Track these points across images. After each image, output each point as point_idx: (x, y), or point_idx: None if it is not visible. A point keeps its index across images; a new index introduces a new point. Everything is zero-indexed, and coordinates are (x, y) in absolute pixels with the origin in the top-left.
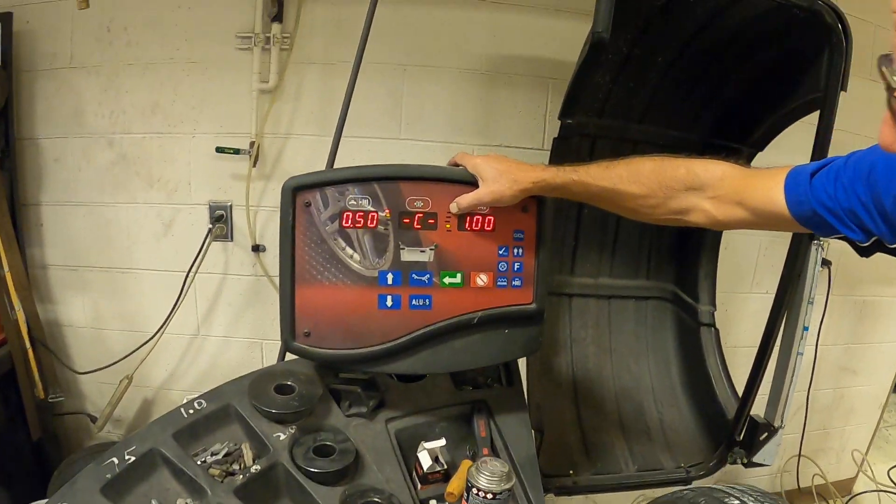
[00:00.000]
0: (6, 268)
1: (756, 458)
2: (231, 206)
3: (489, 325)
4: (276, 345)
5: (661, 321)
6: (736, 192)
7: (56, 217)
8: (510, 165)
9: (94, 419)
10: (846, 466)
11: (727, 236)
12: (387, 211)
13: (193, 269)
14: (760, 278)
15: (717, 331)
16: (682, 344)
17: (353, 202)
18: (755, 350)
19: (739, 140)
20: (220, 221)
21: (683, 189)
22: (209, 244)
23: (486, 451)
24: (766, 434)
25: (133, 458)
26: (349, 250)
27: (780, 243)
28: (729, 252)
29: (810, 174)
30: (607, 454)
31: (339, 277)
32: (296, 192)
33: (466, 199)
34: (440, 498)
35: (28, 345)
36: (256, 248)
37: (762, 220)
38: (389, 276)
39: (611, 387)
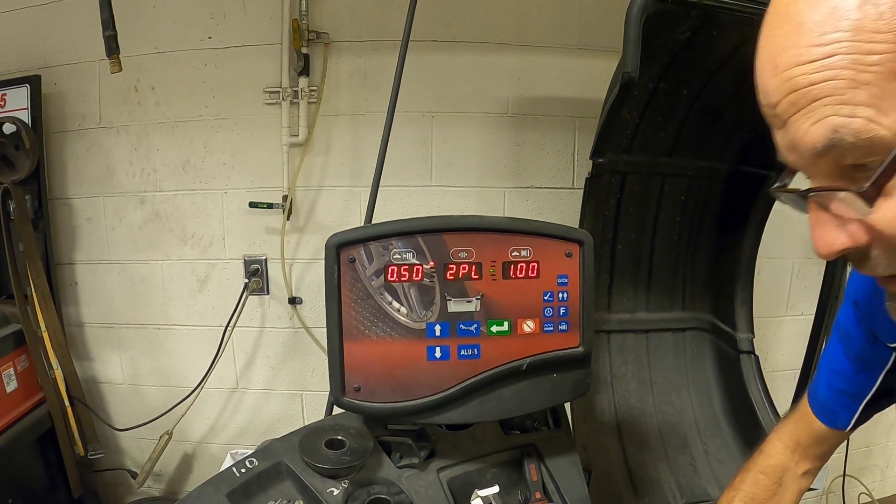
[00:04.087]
0: (43, 327)
1: None
2: (266, 259)
3: (538, 370)
4: (316, 396)
5: (700, 352)
6: (802, 453)
7: (91, 275)
8: None
9: (134, 475)
10: (891, 483)
11: (760, 261)
12: (431, 263)
13: (231, 323)
14: (795, 301)
15: (756, 358)
16: (722, 373)
17: (397, 256)
18: (793, 373)
19: (768, 167)
20: (256, 275)
21: (777, 484)
22: (246, 298)
23: (538, 494)
24: None
25: None
26: (396, 304)
27: (812, 264)
28: (762, 277)
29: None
30: (654, 489)
31: (387, 331)
32: (340, 249)
33: None
34: None
35: (67, 403)
36: (293, 301)
37: (830, 448)
38: (437, 328)
39: (654, 421)
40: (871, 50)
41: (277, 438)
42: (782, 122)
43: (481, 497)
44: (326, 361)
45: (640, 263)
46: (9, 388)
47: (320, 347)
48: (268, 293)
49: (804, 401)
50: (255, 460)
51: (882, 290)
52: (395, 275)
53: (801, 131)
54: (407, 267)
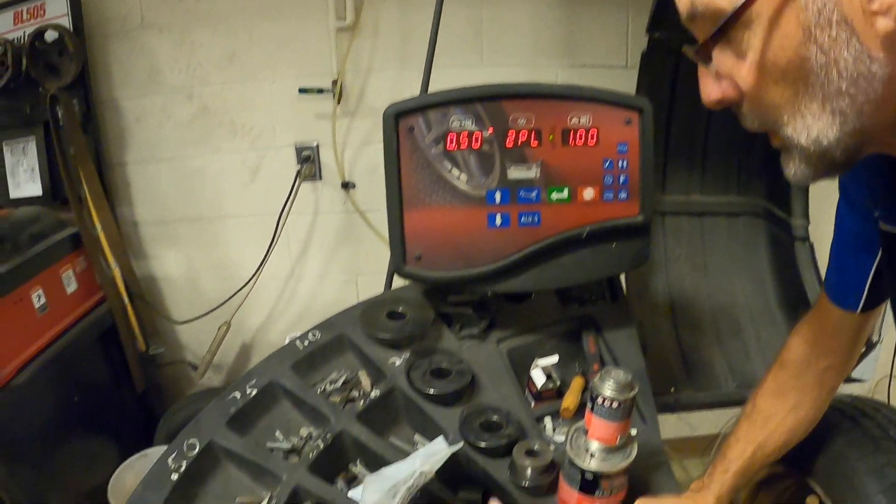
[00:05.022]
0: (99, 228)
1: (853, 374)
2: (318, 145)
3: (597, 239)
4: (371, 279)
5: (754, 237)
6: (821, 347)
7: (142, 175)
8: None
9: (194, 367)
10: None
11: None
12: (490, 130)
13: (284, 211)
14: None
15: (811, 244)
16: (776, 260)
17: (456, 123)
18: None
19: None
20: (308, 162)
21: (796, 378)
22: (298, 185)
23: (595, 366)
24: (863, 348)
25: (255, 392)
26: (455, 172)
27: None
28: None
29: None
30: (707, 372)
31: (448, 199)
32: (398, 118)
33: None
34: (555, 415)
35: (126, 300)
36: (346, 186)
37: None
38: (497, 195)
39: (707, 305)
40: None
41: (338, 313)
42: None
43: (541, 366)
44: (380, 245)
45: (694, 145)
46: (69, 290)
47: (374, 231)
48: (320, 179)
49: (821, 295)
50: (317, 333)
51: (857, 167)
52: (454, 142)
53: (679, 2)
54: (466, 134)
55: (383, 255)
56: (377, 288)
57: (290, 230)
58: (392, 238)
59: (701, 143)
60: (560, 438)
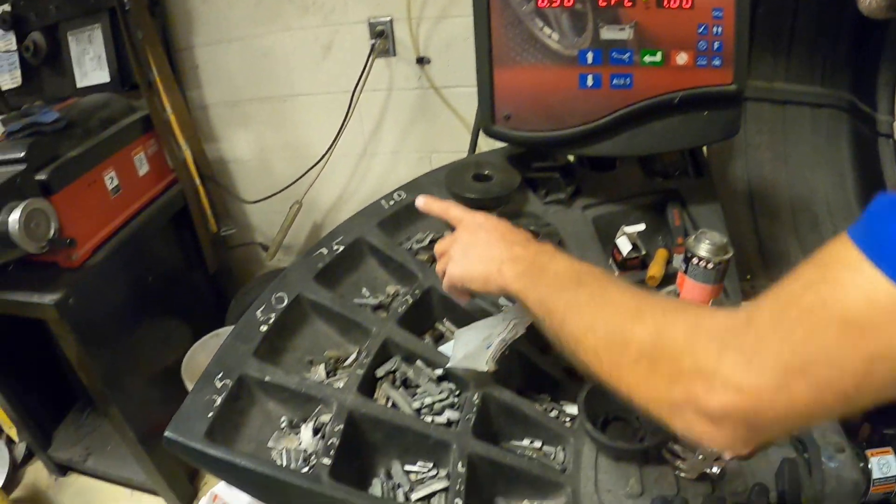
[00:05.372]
0: (169, 110)
1: None
2: (391, 20)
3: (689, 105)
4: (446, 157)
5: (836, 130)
6: None
7: (211, 57)
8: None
9: (265, 248)
10: None
11: None
12: None
13: (357, 88)
14: None
15: (895, 142)
16: (858, 155)
17: None
18: None
19: None
20: (382, 37)
21: None
22: (372, 61)
23: (679, 240)
24: None
25: (341, 248)
26: (547, 30)
27: None
28: None
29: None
30: (783, 261)
31: (539, 58)
32: None
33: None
34: (640, 283)
35: (198, 181)
36: (421, 61)
37: None
38: (589, 55)
39: (786, 195)
40: None
41: (423, 174)
42: None
43: (627, 233)
44: (456, 122)
45: (780, 31)
46: (141, 172)
47: (449, 108)
48: (394, 55)
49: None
50: (402, 193)
51: None
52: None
53: None
54: None
55: (458, 131)
56: None
57: (362, 107)
58: (481, 97)
59: (788, 29)
60: None
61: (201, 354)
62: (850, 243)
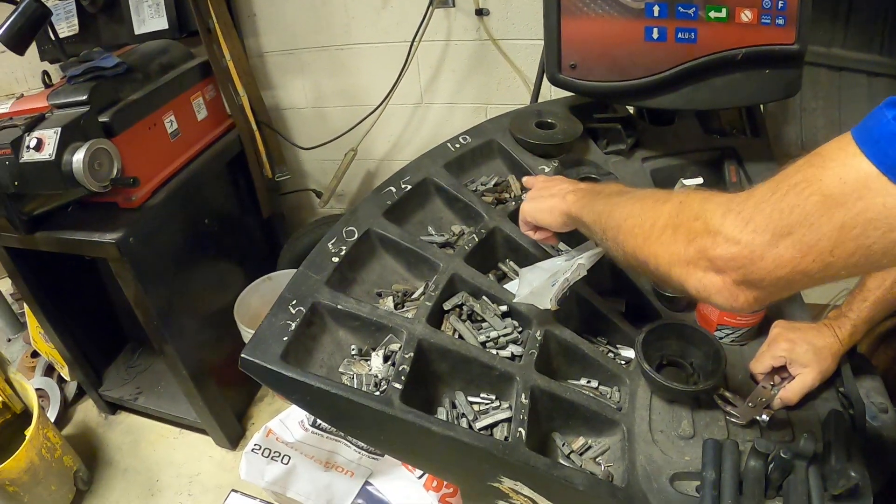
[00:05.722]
0: (228, 56)
1: None
2: None
3: (751, 63)
4: (501, 109)
5: None
6: None
7: (269, 5)
8: None
9: (318, 195)
10: None
11: None
12: None
13: (416, 38)
14: None
15: None
16: None
17: None
18: None
19: None
20: None
21: None
22: (431, 12)
23: None
24: None
25: (409, 187)
26: None
27: None
28: None
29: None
30: None
31: (606, 9)
32: None
33: None
34: None
35: (255, 127)
36: (480, 13)
37: None
38: (656, 8)
39: None
40: None
41: (488, 120)
42: None
43: (685, 186)
44: (513, 74)
45: None
46: (199, 116)
47: (507, 60)
48: (454, 6)
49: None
50: (467, 137)
51: None
52: None
53: None
54: None
55: (515, 83)
56: None
57: (420, 57)
58: (547, 46)
59: None
60: None
61: (254, 296)
62: (848, 135)
